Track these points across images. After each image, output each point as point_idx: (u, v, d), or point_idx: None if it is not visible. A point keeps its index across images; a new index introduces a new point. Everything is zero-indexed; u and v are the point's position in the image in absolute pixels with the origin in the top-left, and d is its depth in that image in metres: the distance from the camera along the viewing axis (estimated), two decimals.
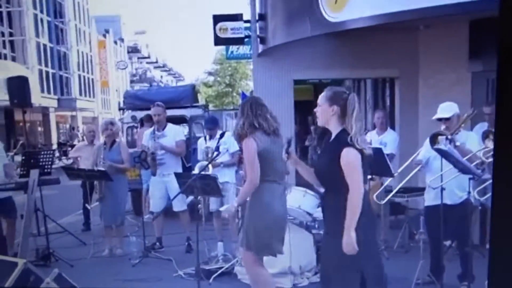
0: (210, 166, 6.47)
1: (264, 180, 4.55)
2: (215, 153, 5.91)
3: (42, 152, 8.30)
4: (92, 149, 8.36)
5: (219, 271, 6.29)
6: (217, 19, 11.11)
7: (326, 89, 3.70)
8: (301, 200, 5.94)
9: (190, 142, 10.04)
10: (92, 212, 7.78)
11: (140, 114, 10.80)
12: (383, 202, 6.13)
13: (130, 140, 11.34)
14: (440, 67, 8.89)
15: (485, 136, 5.27)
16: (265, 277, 4.79)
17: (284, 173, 4.71)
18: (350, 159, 3.44)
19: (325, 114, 3.62)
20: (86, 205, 8.68)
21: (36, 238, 7.62)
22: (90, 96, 54.07)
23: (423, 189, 5.96)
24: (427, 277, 5.57)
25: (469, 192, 4.99)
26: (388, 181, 6.50)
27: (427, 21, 8.05)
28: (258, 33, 10.47)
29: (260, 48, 10.43)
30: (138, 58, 77.17)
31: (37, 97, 29.47)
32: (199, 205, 6.97)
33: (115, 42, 66.00)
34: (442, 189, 5.06)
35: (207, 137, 7.44)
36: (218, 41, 11.38)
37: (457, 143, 5.08)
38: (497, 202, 1.14)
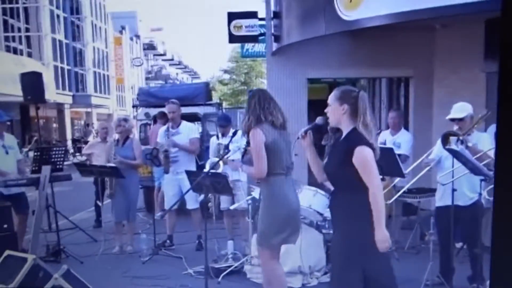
0: (221, 163, 6.45)
1: (272, 174, 4.50)
2: (225, 151, 5.86)
3: (54, 149, 8.34)
4: (105, 146, 8.41)
5: (228, 270, 6.29)
6: (232, 16, 11.11)
7: (335, 89, 3.70)
8: (312, 200, 5.93)
9: (203, 140, 10.04)
10: (104, 209, 7.78)
11: (153, 111, 10.83)
12: (389, 202, 6.08)
13: (144, 137, 11.37)
14: (455, 67, 8.81)
15: None
16: (280, 275, 4.74)
17: (290, 167, 4.66)
18: (364, 157, 3.42)
19: (336, 113, 3.61)
20: (97, 202, 8.72)
21: (47, 234, 7.68)
22: (105, 93, 54.22)
23: (435, 190, 5.90)
24: (436, 278, 5.52)
25: (480, 194, 4.93)
26: (396, 180, 6.43)
27: (443, 20, 7.98)
28: (272, 31, 10.44)
29: (275, 46, 10.40)
30: (154, 55, 77.49)
31: (52, 94, 29.58)
32: (209, 203, 6.96)
33: (131, 39, 66.18)
34: (453, 190, 5.01)
35: (220, 135, 7.42)
36: (232, 38, 11.40)
37: (469, 144, 5.02)
38: (499, 203, 1.14)
